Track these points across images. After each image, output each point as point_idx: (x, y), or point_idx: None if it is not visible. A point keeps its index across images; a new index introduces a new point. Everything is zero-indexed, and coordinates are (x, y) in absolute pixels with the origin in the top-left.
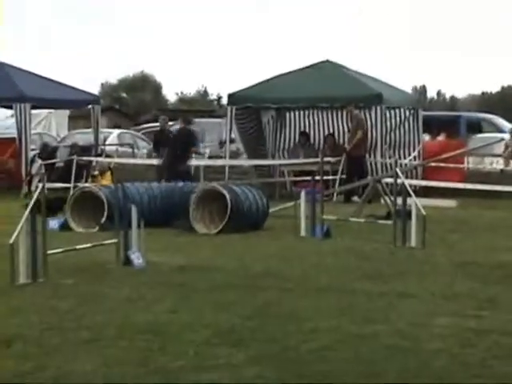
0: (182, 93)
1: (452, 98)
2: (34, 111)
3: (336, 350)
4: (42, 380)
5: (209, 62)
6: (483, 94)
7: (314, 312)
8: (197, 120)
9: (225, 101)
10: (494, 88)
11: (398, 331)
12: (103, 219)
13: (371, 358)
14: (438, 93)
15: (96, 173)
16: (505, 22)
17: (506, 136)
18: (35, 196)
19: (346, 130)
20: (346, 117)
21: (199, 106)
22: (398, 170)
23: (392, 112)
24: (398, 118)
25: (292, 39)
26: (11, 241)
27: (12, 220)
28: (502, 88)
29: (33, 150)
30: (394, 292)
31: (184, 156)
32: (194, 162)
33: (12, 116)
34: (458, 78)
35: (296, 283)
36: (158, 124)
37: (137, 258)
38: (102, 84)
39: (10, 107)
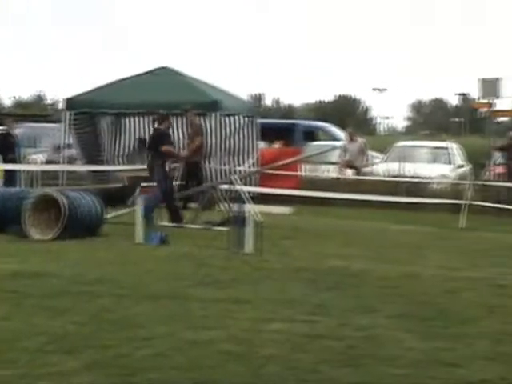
0: (17, 97)
1: (289, 106)
2: None
3: (169, 357)
4: None
5: (46, 66)
6: (320, 102)
7: (148, 319)
8: (32, 125)
9: (62, 105)
10: (328, 97)
11: (233, 337)
12: None
13: (205, 365)
14: (276, 101)
15: None
16: (341, 33)
17: (339, 144)
18: None
19: (182, 136)
20: (187, 123)
21: (35, 110)
22: (234, 176)
23: (229, 119)
24: (235, 125)
25: (130, 46)
26: None
27: None
28: (336, 97)
29: None
30: (229, 298)
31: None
32: (29, 167)
33: None
34: (295, 87)
35: (131, 290)
36: None
37: None
38: None
39: None
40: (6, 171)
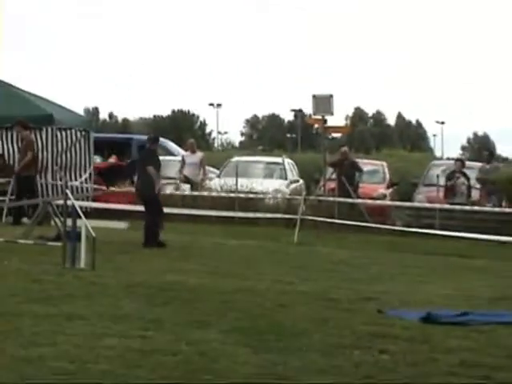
0: None
1: (124, 120)
2: None
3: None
4: None
5: None
6: (155, 117)
7: None
8: None
9: None
10: (165, 111)
11: (65, 354)
12: None
13: (37, 383)
14: (110, 115)
15: None
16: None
17: (178, 157)
18: None
19: (15, 150)
20: (16, 137)
21: None
22: (67, 191)
23: (63, 133)
24: (69, 139)
25: None
26: None
27: None
28: (172, 111)
29: None
30: (62, 314)
31: None
32: None
33: None
34: (130, 101)
35: None
36: None
37: None
38: None
39: None
40: None
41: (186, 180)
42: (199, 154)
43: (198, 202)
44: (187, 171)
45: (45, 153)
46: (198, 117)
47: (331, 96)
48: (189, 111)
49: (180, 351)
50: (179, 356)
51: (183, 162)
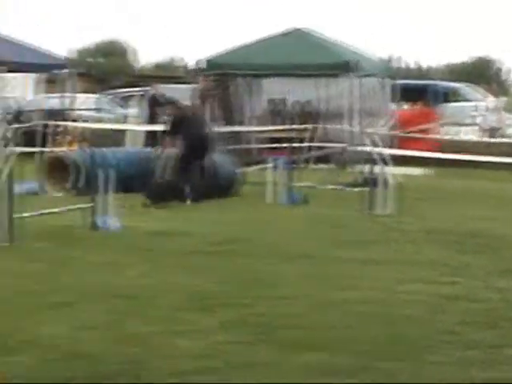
0: (153, 59)
1: (421, 66)
2: None
3: (305, 317)
4: (14, 343)
5: (180, 28)
6: (455, 64)
7: (284, 278)
8: (166, 86)
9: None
10: (462, 58)
11: (368, 298)
12: (80, 183)
13: (341, 325)
14: (405, 62)
15: (69, 137)
16: None
17: (480, 104)
18: (10, 162)
19: (314, 97)
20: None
21: (170, 72)
22: (368, 137)
23: (364, 80)
24: (367, 86)
25: (262, 6)
26: None
27: None
28: (472, 58)
29: None
30: (364, 259)
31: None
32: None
33: None
34: (430, 48)
35: (266, 249)
36: (132, 89)
37: (110, 223)
38: (73, 49)
39: None
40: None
41: (489, 127)
42: (498, 100)
43: (502, 149)
44: (489, 118)
45: (342, 100)
46: (497, 62)
47: None
48: (488, 57)
49: (486, 299)
50: (485, 303)
51: (485, 110)
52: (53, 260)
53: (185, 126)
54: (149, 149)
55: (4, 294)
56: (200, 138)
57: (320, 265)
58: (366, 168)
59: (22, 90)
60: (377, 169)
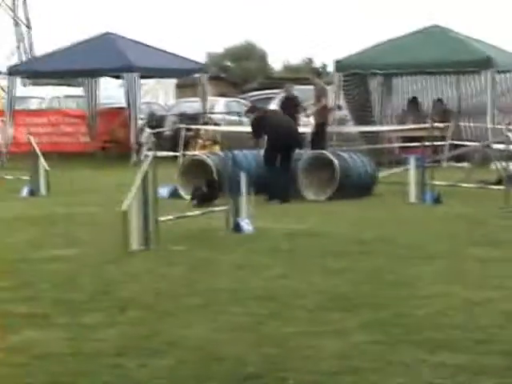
0: (287, 61)
1: None
2: (141, 81)
3: (449, 316)
4: (155, 344)
5: (313, 30)
6: None
7: (425, 278)
8: (299, 87)
9: (330, 68)
10: None
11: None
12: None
13: (485, 324)
14: None
15: (208, 142)
16: None
17: None
18: (146, 165)
19: (454, 95)
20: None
21: (304, 74)
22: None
23: (502, 76)
24: (508, 82)
25: (395, 4)
26: (124, 208)
27: (123, 188)
28: None
29: (141, 119)
30: (507, 258)
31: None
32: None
33: (120, 86)
34: None
35: (408, 249)
36: (265, 92)
37: (246, 225)
38: (209, 53)
39: (117, 77)
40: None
41: None
42: None
43: None
44: None
45: (483, 96)
46: None
47: None
48: None
49: None
50: None
51: None
52: (191, 263)
53: (267, 127)
54: None
55: (144, 298)
56: (284, 138)
57: (461, 264)
58: (506, 165)
59: (165, 95)
60: None
